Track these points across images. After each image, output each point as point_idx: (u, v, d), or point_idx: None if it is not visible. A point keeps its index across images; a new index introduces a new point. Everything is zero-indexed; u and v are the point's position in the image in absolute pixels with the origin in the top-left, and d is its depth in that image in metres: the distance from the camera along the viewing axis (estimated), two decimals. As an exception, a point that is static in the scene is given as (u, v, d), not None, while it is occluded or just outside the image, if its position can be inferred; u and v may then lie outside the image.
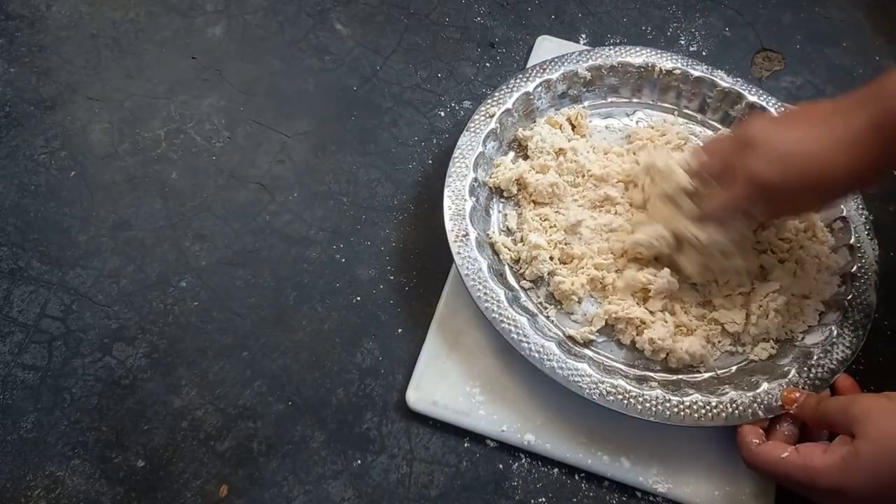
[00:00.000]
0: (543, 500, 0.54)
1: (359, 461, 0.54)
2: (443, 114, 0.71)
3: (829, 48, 0.78)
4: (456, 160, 0.61)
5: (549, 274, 0.59)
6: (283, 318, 0.60)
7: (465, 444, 0.55)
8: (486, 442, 0.55)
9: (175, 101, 0.70)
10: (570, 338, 0.57)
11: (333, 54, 0.74)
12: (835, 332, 0.56)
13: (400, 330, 0.60)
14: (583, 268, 0.59)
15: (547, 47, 0.74)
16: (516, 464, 0.55)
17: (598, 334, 0.57)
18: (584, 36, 0.77)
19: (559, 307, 0.59)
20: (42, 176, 0.65)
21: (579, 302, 0.58)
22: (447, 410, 0.55)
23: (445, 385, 0.56)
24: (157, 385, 0.56)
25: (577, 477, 0.55)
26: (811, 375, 0.54)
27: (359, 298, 0.61)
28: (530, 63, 0.72)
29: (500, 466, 0.55)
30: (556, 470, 0.55)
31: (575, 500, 0.54)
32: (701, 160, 0.55)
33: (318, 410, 0.56)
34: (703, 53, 0.77)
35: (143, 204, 0.64)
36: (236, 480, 0.53)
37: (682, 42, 0.78)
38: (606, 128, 0.68)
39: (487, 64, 0.74)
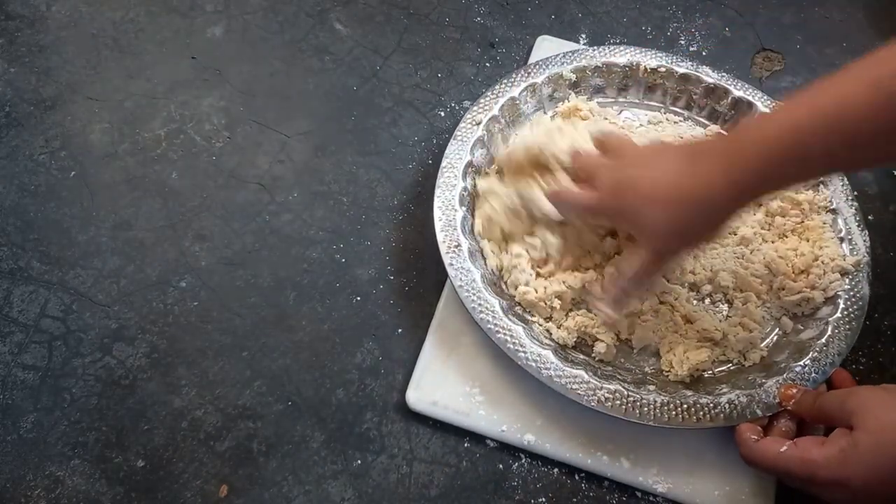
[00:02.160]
0: (543, 500, 0.54)
1: (359, 461, 0.54)
2: (443, 114, 0.71)
3: (829, 48, 0.78)
4: (444, 170, 0.60)
5: (525, 283, 0.58)
6: (283, 318, 0.60)
7: (465, 444, 0.55)
8: (486, 442, 0.55)
9: (175, 101, 0.70)
10: (564, 344, 0.56)
11: (333, 54, 0.74)
12: (830, 327, 0.56)
13: (400, 330, 0.60)
14: (556, 278, 0.58)
15: (547, 47, 0.73)
16: (516, 464, 0.55)
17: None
18: (583, 36, 0.77)
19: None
20: (42, 176, 0.65)
21: (550, 311, 0.57)
22: (447, 410, 0.55)
23: (445, 385, 0.56)
24: (157, 385, 0.56)
25: (577, 477, 0.55)
26: (807, 370, 0.54)
27: (359, 298, 0.61)
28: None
29: (500, 466, 0.55)
30: (556, 470, 0.55)
31: (575, 500, 0.54)
32: (583, 151, 0.56)
33: (318, 410, 0.56)
34: (703, 53, 0.77)
35: (143, 204, 0.64)
36: (236, 480, 0.53)
37: (682, 42, 0.78)
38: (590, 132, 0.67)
39: (487, 64, 0.74)
